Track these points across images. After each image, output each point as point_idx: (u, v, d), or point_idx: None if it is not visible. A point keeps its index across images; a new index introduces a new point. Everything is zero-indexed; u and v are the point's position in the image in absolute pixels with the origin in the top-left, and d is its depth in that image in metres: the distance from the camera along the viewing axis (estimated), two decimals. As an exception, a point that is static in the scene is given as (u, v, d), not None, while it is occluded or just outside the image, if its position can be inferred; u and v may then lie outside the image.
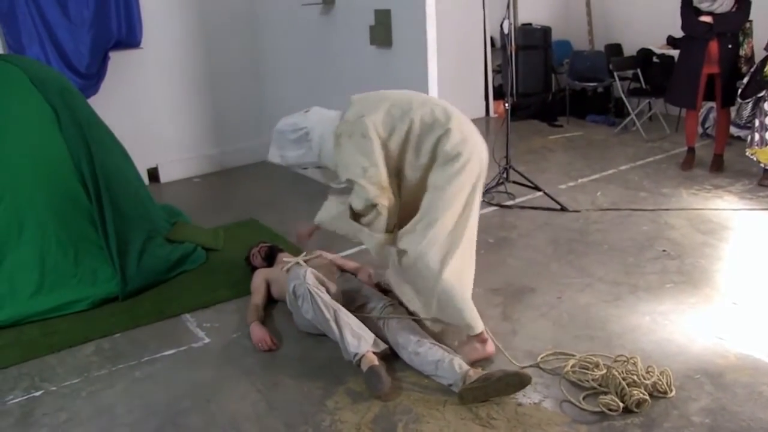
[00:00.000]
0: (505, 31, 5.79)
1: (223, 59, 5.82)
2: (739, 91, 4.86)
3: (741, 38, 4.96)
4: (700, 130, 5.87)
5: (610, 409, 2.41)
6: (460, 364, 2.59)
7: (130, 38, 5.18)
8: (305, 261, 3.42)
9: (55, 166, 3.52)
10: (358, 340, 2.71)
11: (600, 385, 2.52)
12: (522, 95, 7.04)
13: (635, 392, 2.43)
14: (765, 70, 4.67)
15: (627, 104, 6.50)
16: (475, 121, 3.01)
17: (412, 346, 2.72)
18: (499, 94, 7.30)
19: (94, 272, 3.51)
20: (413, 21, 4.04)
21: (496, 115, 7.32)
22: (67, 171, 3.54)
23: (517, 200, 4.72)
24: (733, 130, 5.08)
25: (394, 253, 2.82)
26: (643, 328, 2.98)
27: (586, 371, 2.59)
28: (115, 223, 3.57)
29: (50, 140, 3.54)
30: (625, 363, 2.61)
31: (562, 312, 3.16)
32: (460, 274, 2.68)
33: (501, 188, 4.80)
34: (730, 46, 4.92)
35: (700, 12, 4.88)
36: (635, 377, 2.50)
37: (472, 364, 2.67)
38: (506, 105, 4.86)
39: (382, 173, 2.64)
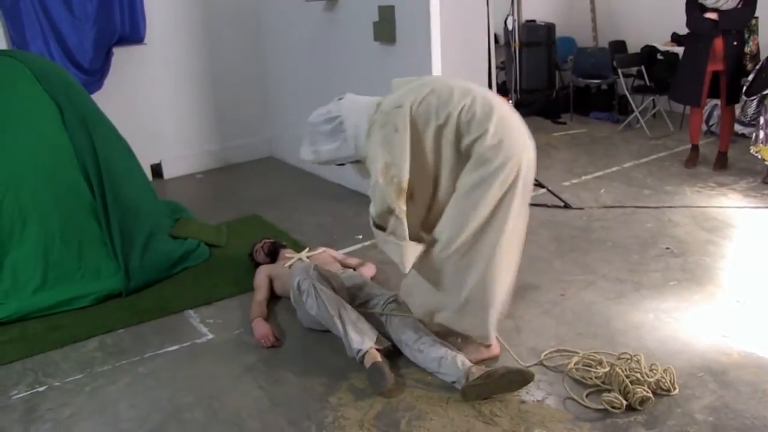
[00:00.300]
0: (509, 27, 5.78)
1: (227, 55, 5.82)
2: (744, 88, 4.84)
3: (746, 35, 4.94)
4: (704, 127, 5.85)
5: (613, 407, 2.40)
6: (463, 360, 2.59)
7: (133, 34, 5.18)
8: (308, 257, 3.42)
9: (58, 161, 3.52)
10: (362, 336, 2.71)
11: (603, 383, 2.52)
12: (525, 92, 7.01)
13: (638, 390, 2.42)
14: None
15: (631, 101, 6.48)
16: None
17: (414, 343, 2.72)
18: (503, 90, 7.27)
19: (97, 268, 3.52)
20: (417, 17, 4.03)
21: (499, 112, 7.29)
22: (70, 166, 3.54)
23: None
24: (737, 127, 5.07)
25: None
26: (647, 326, 2.97)
27: (590, 369, 2.58)
28: (118, 218, 3.58)
29: (54, 136, 3.54)
30: (629, 361, 2.60)
31: (565, 309, 3.16)
32: (487, 284, 2.54)
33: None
34: (735, 43, 4.89)
35: (705, 9, 4.86)
36: (639, 375, 2.50)
37: (476, 362, 2.66)
38: (510, 102, 4.85)
39: (404, 174, 2.44)
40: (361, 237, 4.18)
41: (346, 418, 2.47)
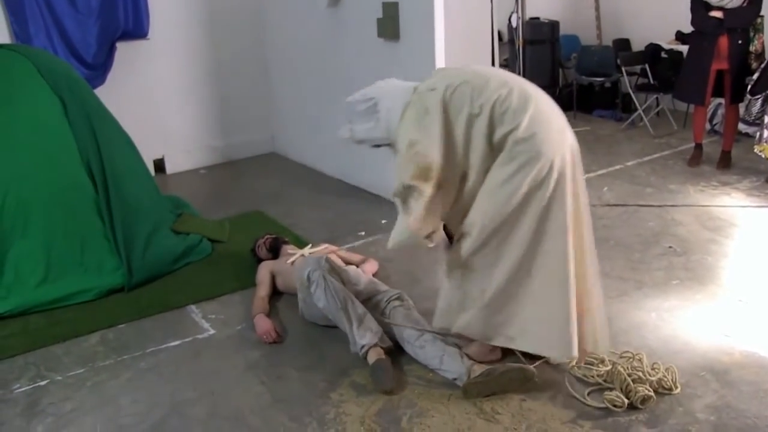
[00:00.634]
0: (513, 25, 5.77)
1: (230, 51, 5.81)
2: (749, 87, 4.82)
3: (751, 34, 4.91)
4: (707, 126, 5.84)
5: (615, 405, 2.40)
6: (464, 358, 2.59)
7: (137, 29, 5.17)
8: (310, 253, 3.42)
9: (61, 156, 3.53)
10: (367, 332, 2.71)
11: (605, 381, 2.52)
12: (529, 89, 6.99)
13: (640, 389, 2.42)
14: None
15: (635, 99, 6.46)
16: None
17: (416, 340, 2.72)
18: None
19: (100, 263, 3.52)
20: (421, 14, 4.02)
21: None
22: (73, 161, 3.55)
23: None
24: (741, 126, 5.05)
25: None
26: (649, 325, 2.97)
27: (591, 367, 2.57)
28: (121, 213, 3.58)
29: (57, 130, 3.55)
30: (631, 359, 2.60)
31: (567, 307, 3.15)
32: (511, 284, 2.45)
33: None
34: (740, 41, 4.87)
35: (710, 7, 4.84)
36: (640, 374, 2.49)
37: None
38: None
39: (433, 155, 2.34)
40: (363, 233, 4.18)
41: (347, 415, 2.47)
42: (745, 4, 4.77)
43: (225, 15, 5.72)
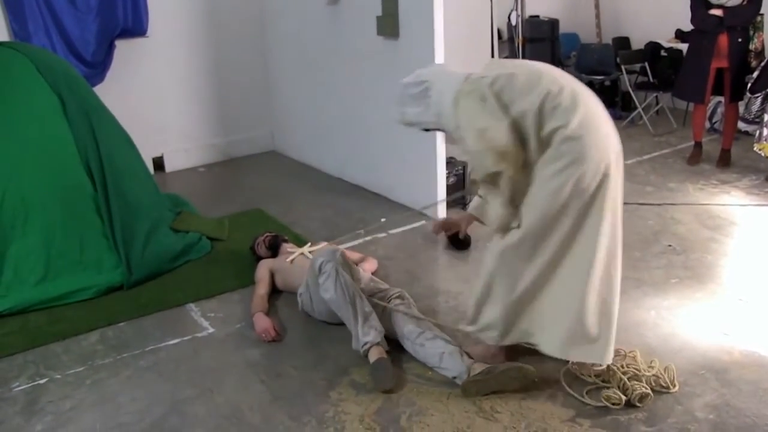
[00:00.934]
0: (513, 23, 5.77)
1: (230, 49, 5.80)
2: (749, 85, 4.82)
3: (751, 32, 4.91)
4: (707, 124, 5.83)
5: (612, 403, 2.40)
6: (464, 356, 2.59)
7: (136, 27, 5.16)
8: (310, 252, 3.42)
9: (60, 154, 3.52)
10: (371, 330, 2.71)
11: (603, 381, 2.52)
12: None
13: (637, 386, 2.42)
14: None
15: (634, 98, 6.46)
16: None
17: (417, 338, 2.72)
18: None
19: (99, 261, 3.52)
20: (421, 12, 4.01)
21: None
22: (72, 159, 3.54)
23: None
24: (740, 125, 5.05)
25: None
26: (648, 323, 2.97)
27: (587, 365, 2.56)
28: (120, 211, 3.58)
29: (56, 128, 3.54)
30: (624, 357, 2.60)
31: (566, 306, 3.15)
32: (538, 287, 2.43)
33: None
34: (740, 40, 4.87)
35: (710, 5, 4.84)
36: (635, 370, 2.50)
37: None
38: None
39: (505, 138, 2.29)
40: (362, 232, 4.17)
41: (346, 413, 2.47)
42: (744, 3, 4.77)
43: (224, 13, 5.71)
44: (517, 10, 5.42)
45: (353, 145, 5.05)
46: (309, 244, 3.58)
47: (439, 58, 4.02)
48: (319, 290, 2.89)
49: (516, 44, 5.39)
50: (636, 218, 4.17)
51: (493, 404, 2.46)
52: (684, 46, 5.71)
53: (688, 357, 2.70)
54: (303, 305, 3.12)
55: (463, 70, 2.54)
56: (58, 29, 4.89)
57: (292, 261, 3.36)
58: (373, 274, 3.39)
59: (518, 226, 2.41)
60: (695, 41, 5.09)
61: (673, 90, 5.66)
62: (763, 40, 5.01)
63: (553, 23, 7.09)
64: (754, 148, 4.78)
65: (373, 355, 2.64)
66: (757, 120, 4.81)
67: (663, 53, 6.57)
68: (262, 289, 3.30)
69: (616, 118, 6.72)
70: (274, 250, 3.59)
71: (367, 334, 2.69)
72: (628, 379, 2.46)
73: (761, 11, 4.88)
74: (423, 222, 4.27)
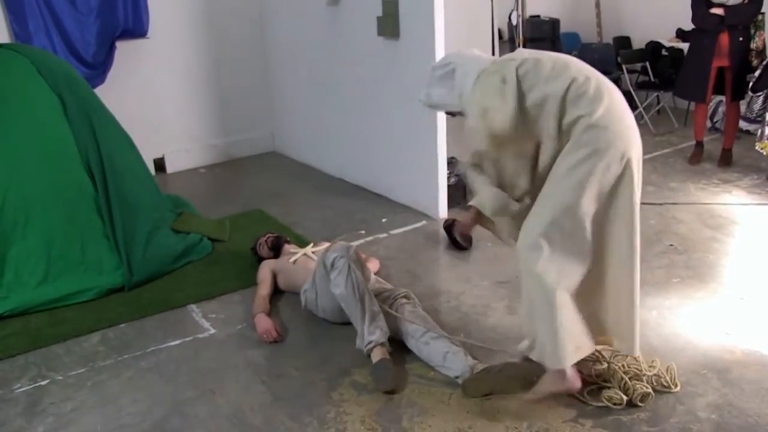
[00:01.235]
0: (514, 23, 5.76)
1: (230, 50, 5.80)
2: (750, 84, 4.82)
3: (752, 31, 4.91)
4: (708, 124, 5.83)
5: (614, 403, 2.40)
6: (468, 356, 2.59)
7: (136, 28, 5.17)
8: (312, 252, 3.42)
9: (61, 155, 3.52)
10: (377, 329, 2.70)
11: (604, 381, 2.51)
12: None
13: (638, 386, 2.42)
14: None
15: (635, 97, 6.45)
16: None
17: (422, 336, 2.72)
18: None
19: (100, 262, 3.52)
20: (421, 12, 4.01)
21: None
22: (73, 160, 3.54)
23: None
24: (742, 124, 5.05)
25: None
26: (650, 323, 2.96)
27: (587, 363, 2.55)
28: (121, 212, 3.57)
29: (57, 129, 3.54)
30: (625, 357, 2.59)
31: (568, 306, 3.14)
32: (564, 287, 2.29)
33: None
34: (741, 38, 4.87)
35: (711, 4, 4.83)
36: (636, 370, 2.49)
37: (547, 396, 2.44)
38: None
39: (504, 123, 2.26)
40: (364, 232, 4.17)
41: (347, 414, 2.46)
42: (745, 1, 4.77)
43: (225, 14, 5.71)
44: (517, 9, 5.42)
45: (354, 145, 5.04)
46: (311, 244, 3.58)
47: (440, 58, 4.02)
48: (329, 285, 2.87)
49: (517, 44, 5.39)
50: (637, 218, 4.16)
51: (494, 404, 2.46)
52: (685, 46, 5.70)
53: (690, 356, 2.70)
54: (307, 303, 3.11)
55: (491, 56, 2.50)
56: (58, 30, 4.89)
57: (294, 261, 3.35)
58: (375, 274, 3.39)
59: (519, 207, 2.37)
60: (696, 40, 5.08)
61: (674, 89, 5.66)
62: (764, 39, 5.00)
63: (554, 23, 7.09)
64: (756, 147, 4.78)
65: (376, 356, 2.64)
66: (759, 119, 4.81)
67: (664, 52, 6.57)
68: (264, 290, 3.29)
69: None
70: (276, 251, 3.59)
71: (373, 334, 2.69)
72: (629, 378, 2.45)
73: (762, 10, 4.87)
74: (424, 222, 4.27)
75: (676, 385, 2.49)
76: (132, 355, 2.95)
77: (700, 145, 5.29)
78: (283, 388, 2.65)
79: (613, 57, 6.79)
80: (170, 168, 5.74)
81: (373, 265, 3.52)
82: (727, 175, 4.90)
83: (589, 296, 2.40)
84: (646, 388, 2.43)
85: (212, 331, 3.13)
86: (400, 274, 3.57)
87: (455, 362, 2.59)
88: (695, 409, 2.39)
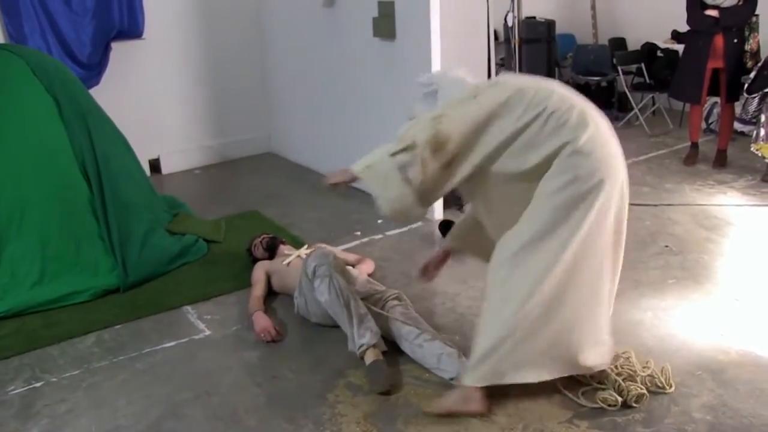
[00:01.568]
0: (509, 24, 5.76)
1: (226, 50, 5.79)
2: (746, 86, 4.83)
3: (747, 33, 4.92)
4: (703, 125, 5.84)
5: (608, 405, 2.40)
6: (462, 358, 2.59)
7: (132, 28, 5.16)
8: (306, 254, 3.41)
9: (56, 156, 3.51)
10: (367, 332, 2.70)
11: (598, 382, 2.51)
12: (525, 89, 6.99)
13: (633, 387, 2.42)
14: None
15: (630, 99, 6.47)
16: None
17: (415, 338, 2.72)
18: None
19: (95, 263, 3.51)
20: (417, 13, 4.01)
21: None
22: (68, 161, 3.53)
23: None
24: (736, 125, 5.07)
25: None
26: (645, 324, 2.97)
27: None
28: (116, 213, 3.57)
29: (51, 130, 3.53)
30: (618, 358, 2.59)
31: (563, 307, 3.15)
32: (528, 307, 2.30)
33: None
34: (735, 40, 4.89)
35: (705, 6, 4.85)
36: (630, 371, 2.50)
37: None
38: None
39: (454, 133, 2.28)
40: (359, 233, 4.17)
41: (342, 415, 2.46)
42: (740, 3, 4.79)
43: (221, 15, 5.70)
44: (513, 11, 5.41)
45: (350, 146, 5.03)
46: (306, 246, 3.58)
47: (436, 59, 4.03)
48: (314, 293, 2.88)
49: (512, 45, 5.38)
50: (633, 219, 4.14)
51: (490, 406, 2.45)
52: (680, 47, 5.72)
53: (685, 357, 2.70)
54: (299, 308, 3.12)
55: (474, 80, 2.53)
56: (53, 31, 4.88)
57: (288, 264, 3.35)
58: (369, 275, 3.39)
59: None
60: (691, 42, 5.10)
61: (669, 91, 5.68)
62: (758, 41, 5.02)
63: (550, 24, 7.09)
64: (752, 149, 4.79)
65: (370, 357, 2.64)
66: (754, 120, 4.83)
67: (659, 54, 6.59)
68: (258, 290, 3.29)
69: (613, 119, 6.73)
70: (271, 252, 3.58)
71: (363, 336, 2.69)
72: (623, 380, 2.46)
73: (757, 12, 4.89)
74: (419, 223, 4.26)
75: (670, 386, 2.50)
76: (127, 356, 2.95)
77: (695, 146, 5.30)
78: (279, 390, 2.65)
79: (609, 58, 6.80)
80: (165, 169, 5.73)
81: (367, 266, 3.52)
82: (722, 177, 4.91)
83: (553, 317, 2.34)
84: (641, 388, 2.43)
85: (207, 332, 3.13)
86: (395, 275, 3.57)
87: (450, 364, 2.59)
88: (690, 410, 2.39)
